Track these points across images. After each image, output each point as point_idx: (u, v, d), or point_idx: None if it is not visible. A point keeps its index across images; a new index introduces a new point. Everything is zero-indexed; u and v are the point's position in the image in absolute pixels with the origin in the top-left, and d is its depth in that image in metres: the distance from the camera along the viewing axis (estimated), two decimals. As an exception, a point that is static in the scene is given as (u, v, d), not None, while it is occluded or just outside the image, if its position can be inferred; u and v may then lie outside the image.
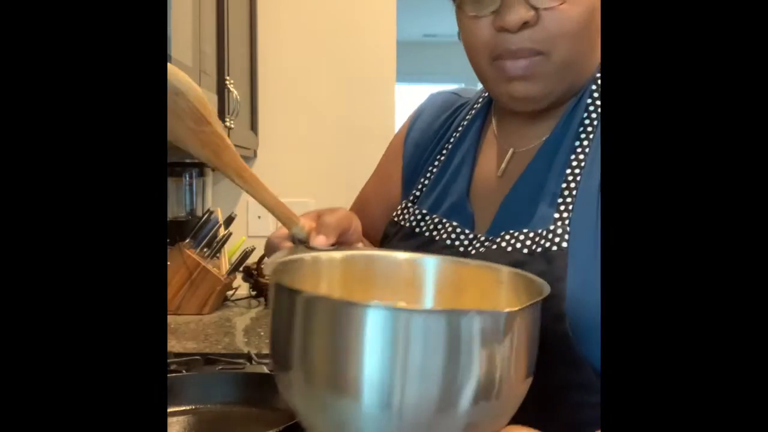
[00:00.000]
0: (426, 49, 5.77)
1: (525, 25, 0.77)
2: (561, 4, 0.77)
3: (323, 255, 0.71)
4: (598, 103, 0.83)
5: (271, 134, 2.28)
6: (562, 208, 0.79)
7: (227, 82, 1.77)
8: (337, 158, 2.30)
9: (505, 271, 0.69)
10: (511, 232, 0.80)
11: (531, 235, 0.79)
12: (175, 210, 2.05)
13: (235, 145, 2.14)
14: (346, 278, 0.71)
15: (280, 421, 0.89)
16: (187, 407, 0.99)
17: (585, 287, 0.73)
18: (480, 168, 0.90)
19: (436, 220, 0.88)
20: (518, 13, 0.77)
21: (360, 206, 1.06)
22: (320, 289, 0.69)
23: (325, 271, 0.70)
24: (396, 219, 0.94)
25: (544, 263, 0.76)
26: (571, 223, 0.77)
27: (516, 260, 0.77)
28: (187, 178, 2.06)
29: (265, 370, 1.22)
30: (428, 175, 0.94)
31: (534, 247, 0.78)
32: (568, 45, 0.79)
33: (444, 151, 0.94)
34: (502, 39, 0.79)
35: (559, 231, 0.77)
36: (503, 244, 0.80)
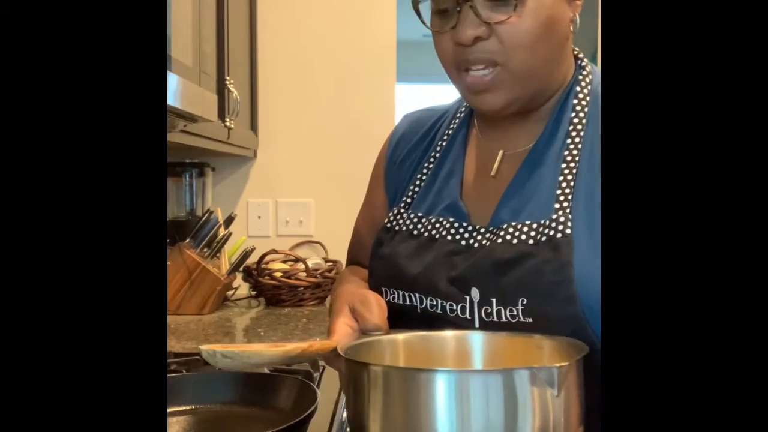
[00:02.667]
0: (426, 49, 5.73)
1: (478, 39, 0.83)
2: (509, 18, 0.82)
3: (385, 338, 0.79)
4: (584, 102, 0.89)
5: (271, 134, 2.28)
6: (562, 198, 0.83)
7: (227, 82, 1.77)
8: (337, 158, 2.30)
9: (539, 337, 0.76)
10: (513, 224, 0.84)
11: (534, 225, 0.83)
12: (175, 210, 2.05)
13: (235, 145, 2.14)
14: (407, 356, 0.79)
15: (280, 421, 0.89)
16: (187, 407, 1.00)
17: (592, 270, 0.77)
18: (469, 171, 0.94)
19: (433, 221, 0.91)
20: (471, 29, 0.83)
21: (356, 238, 1.10)
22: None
23: (389, 351, 0.79)
24: (389, 225, 0.96)
25: (549, 251, 0.80)
26: (572, 212, 0.82)
27: (522, 251, 0.81)
28: (187, 178, 2.06)
29: (265, 370, 1.22)
30: (417, 182, 0.97)
31: (538, 237, 0.82)
32: (524, 55, 0.83)
33: (432, 159, 0.98)
34: (461, 52, 0.85)
35: (562, 219, 0.82)
36: (507, 236, 0.83)
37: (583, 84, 0.91)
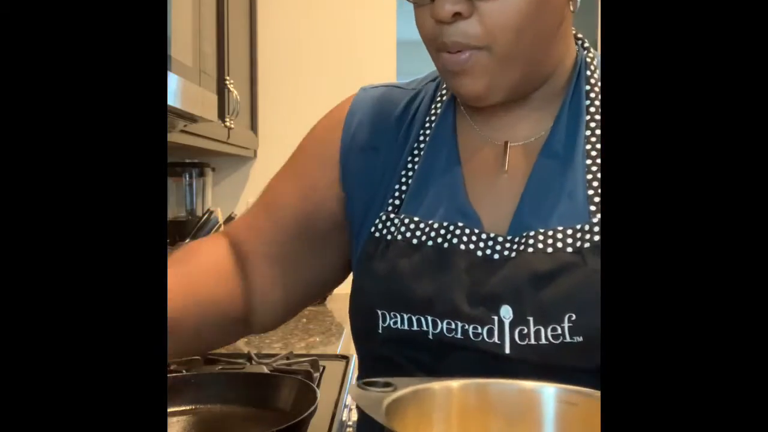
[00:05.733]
0: (426, 49, 5.76)
1: (458, 15, 0.72)
2: None
3: (437, 386, 0.65)
4: (597, 89, 0.79)
5: (271, 134, 2.28)
6: (597, 199, 0.74)
7: (227, 82, 1.77)
8: (337, 158, 2.29)
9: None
10: (542, 230, 0.73)
11: (569, 232, 0.72)
12: (175, 210, 2.05)
13: (235, 145, 2.14)
14: (460, 411, 0.65)
15: (280, 421, 0.89)
16: (187, 407, 1.00)
17: None
18: (469, 166, 0.81)
19: (436, 226, 0.77)
20: (450, 3, 0.71)
21: (267, 206, 0.91)
22: (434, 423, 0.64)
23: (438, 404, 0.65)
24: (378, 234, 0.80)
25: (598, 259, 0.70)
26: None
27: (563, 261, 0.71)
28: (187, 178, 2.07)
29: (265, 370, 1.22)
30: (404, 180, 0.83)
31: (579, 243, 0.71)
32: (508, 37, 0.72)
33: (416, 152, 0.84)
34: (438, 31, 0.74)
35: None
36: (539, 245, 0.73)
37: (592, 68, 0.80)
